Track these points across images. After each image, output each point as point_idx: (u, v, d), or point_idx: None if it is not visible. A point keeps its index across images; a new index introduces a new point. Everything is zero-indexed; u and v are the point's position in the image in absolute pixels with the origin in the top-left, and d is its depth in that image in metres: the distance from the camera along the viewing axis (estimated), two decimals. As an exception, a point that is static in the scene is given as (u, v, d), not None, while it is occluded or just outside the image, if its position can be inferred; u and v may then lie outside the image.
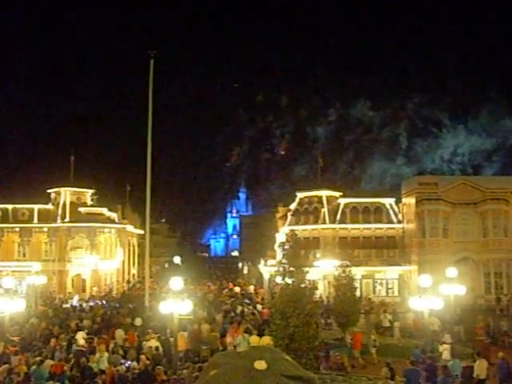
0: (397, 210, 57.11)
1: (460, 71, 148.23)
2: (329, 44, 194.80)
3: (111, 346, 24.42)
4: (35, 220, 60.99)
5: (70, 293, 55.24)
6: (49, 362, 20.53)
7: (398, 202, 57.43)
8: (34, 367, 19.96)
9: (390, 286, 54.32)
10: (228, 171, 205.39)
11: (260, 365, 1.18)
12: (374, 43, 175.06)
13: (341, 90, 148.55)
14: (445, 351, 25.10)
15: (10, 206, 60.94)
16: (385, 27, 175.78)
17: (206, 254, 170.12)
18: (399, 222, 56.51)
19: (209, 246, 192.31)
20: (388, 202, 57.43)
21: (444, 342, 26.07)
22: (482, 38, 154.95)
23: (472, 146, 72.91)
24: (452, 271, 34.55)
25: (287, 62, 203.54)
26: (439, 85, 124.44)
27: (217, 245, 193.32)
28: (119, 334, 28.18)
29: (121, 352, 23.60)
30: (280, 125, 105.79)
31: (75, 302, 47.66)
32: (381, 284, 54.64)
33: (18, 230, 60.69)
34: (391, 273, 54.28)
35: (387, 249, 56.16)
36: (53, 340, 25.42)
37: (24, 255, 60.54)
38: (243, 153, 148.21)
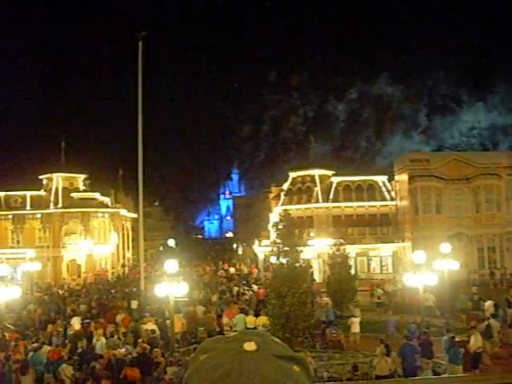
0: (389, 187, 57.20)
1: (477, 46, 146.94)
2: (347, 21, 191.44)
3: (109, 330, 24.48)
4: (28, 207, 60.83)
5: (64, 278, 55.32)
6: (46, 348, 20.61)
7: (390, 179, 57.52)
8: (31, 353, 20.04)
9: (384, 263, 54.55)
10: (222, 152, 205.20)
11: (249, 346, 1.17)
12: (394, 20, 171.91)
13: (360, 67, 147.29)
14: (353, 324, 26.03)
15: (2, 193, 60.73)
16: (404, 3, 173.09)
17: (201, 236, 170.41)
18: (392, 199, 56.62)
19: (203, 227, 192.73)
20: (381, 179, 57.48)
21: (352, 316, 26.72)
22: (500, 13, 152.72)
23: (490, 120, 72.96)
24: (445, 247, 34.65)
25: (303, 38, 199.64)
26: (457, 60, 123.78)
27: (211, 226, 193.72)
28: (120, 318, 28.30)
29: (120, 336, 23.68)
30: (294, 104, 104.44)
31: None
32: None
33: (10, 217, 60.52)
34: (385, 250, 54.46)
35: (381, 226, 56.30)
36: (50, 326, 25.49)
37: (18, 242, 60.42)
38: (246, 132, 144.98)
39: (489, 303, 29.15)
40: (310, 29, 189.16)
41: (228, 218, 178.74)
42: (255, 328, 26.06)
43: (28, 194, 61.04)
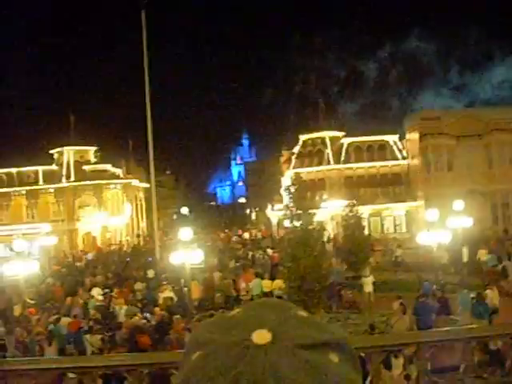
0: (401, 146, 56.93)
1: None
2: None
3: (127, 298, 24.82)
4: (41, 182, 61.17)
5: (81, 251, 55.79)
6: (66, 320, 20.89)
7: (401, 138, 57.23)
8: (51, 326, 20.35)
9: (397, 223, 54.56)
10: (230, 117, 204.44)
11: (261, 337, 0.82)
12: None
13: (391, 23, 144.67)
14: (365, 284, 26.46)
15: (14, 170, 61.11)
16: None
17: (214, 203, 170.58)
18: (404, 158, 56.40)
19: (215, 194, 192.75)
20: (391, 138, 57.19)
21: (363, 275, 26.90)
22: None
23: None
24: (458, 204, 34.63)
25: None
26: (488, 14, 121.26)
27: (223, 193, 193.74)
28: (138, 286, 28.70)
29: (138, 304, 24.03)
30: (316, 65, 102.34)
31: (90, 257, 48.22)
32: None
33: (24, 192, 60.99)
34: (398, 209, 54.43)
35: (393, 186, 56.20)
36: (68, 298, 25.80)
37: (33, 217, 60.96)
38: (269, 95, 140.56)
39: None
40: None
41: (240, 183, 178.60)
42: (271, 292, 26.29)
43: (40, 168, 61.33)
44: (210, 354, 0.83)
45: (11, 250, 44.78)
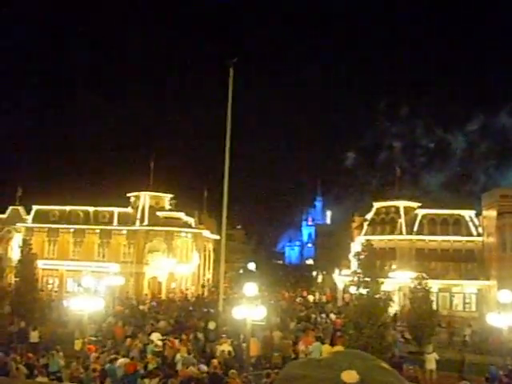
0: (477, 222, 55.62)
1: None
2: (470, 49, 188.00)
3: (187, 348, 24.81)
4: (115, 223, 62.66)
5: (146, 294, 56.35)
6: (123, 361, 20.98)
7: (479, 214, 55.98)
8: (108, 365, 20.50)
9: (467, 301, 52.88)
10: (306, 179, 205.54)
11: (350, 376, 0.90)
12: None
13: (483, 97, 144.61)
14: (428, 361, 25.76)
15: (91, 209, 63.02)
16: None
17: (281, 262, 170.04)
18: (479, 235, 55.01)
19: (283, 253, 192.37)
20: (468, 214, 56.03)
21: (426, 352, 26.37)
22: None
23: None
24: (534, 287, 33.29)
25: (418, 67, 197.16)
26: None
27: (291, 253, 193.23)
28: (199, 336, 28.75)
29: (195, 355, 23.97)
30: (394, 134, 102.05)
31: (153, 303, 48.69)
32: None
33: (98, 231, 62.58)
34: (469, 287, 52.85)
35: (466, 262, 54.74)
36: (128, 340, 26.01)
37: (103, 256, 62.30)
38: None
39: None
40: (430, 59, 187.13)
41: (309, 245, 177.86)
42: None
43: (116, 210, 62.97)
44: None
45: (79, 285, 45.91)
